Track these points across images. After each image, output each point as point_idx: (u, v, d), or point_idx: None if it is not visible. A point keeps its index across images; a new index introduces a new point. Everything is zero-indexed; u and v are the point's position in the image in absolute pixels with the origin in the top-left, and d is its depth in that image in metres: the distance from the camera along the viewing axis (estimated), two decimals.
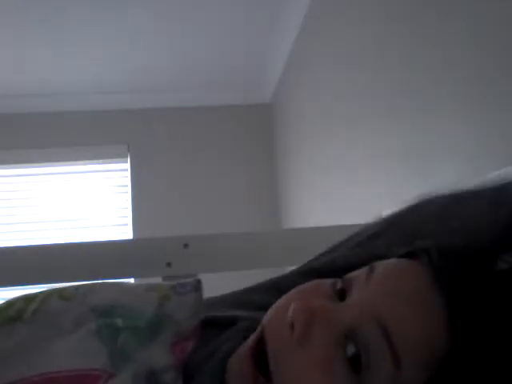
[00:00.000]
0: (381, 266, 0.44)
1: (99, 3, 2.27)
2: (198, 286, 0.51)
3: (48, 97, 3.02)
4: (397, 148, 1.46)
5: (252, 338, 0.45)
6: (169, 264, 0.95)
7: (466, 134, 1.08)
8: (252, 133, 3.22)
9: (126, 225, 3.08)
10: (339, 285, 0.45)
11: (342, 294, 0.44)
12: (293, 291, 0.47)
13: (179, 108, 3.16)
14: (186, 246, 0.97)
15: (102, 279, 1.01)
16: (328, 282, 0.46)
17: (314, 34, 2.27)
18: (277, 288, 0.63)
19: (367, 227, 0.65)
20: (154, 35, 2.58)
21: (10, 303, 0.50)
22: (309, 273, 0.63)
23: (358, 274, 0.45)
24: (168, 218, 2.99)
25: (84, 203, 3.08)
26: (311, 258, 0.67)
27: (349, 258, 0.60)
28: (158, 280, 0.97)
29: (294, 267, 0.70)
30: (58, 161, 3.08)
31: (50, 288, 0.52)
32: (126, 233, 3.08)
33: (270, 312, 0.46)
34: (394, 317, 0.40)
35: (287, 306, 0.44)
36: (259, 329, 0.45)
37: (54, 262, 0.96)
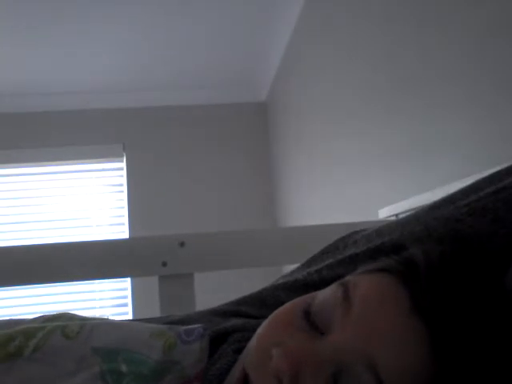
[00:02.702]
0: (356, 291, 0.44)
1: (97, 2, 2.26)
2: (203, 334, 0.51)
3: (43, 96, 3.01)
4: (395, 146, 1.46)
5: (235, 377, 0.45)
6: (164, 263, 0.95)
7: (465, 131, 1.08)
8: (248, 131, 3.21)
9: (123, 224, 3.08)
10: (315, 314, 0.44)
11: (319, 323, 0.44)
12: (269, 323, 0.47)
13: (174, 107, 3.15)
14: (182, 244, 0.96)
15: (98, 279, 1.01)
16: (302, 307, 0.46)
17: (309, 31, 2.27)
18: (263, 303, 0.64)
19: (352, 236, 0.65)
20: (151, 35, 2.57)
21: (10, 337, 0.49)
22: (295, 286, 0.63)
23: (332, 299, 0.44)
24: (164, 216, 2.98)
25: (80, 203, 3.07)
26: (308, 256, 0.67)
27: (336, 270, 0.60)
28: (154, 279, 0.97)
29: (291, 266, 0.70)
30: (54, 160, 3.07)
31: (52, 324, 0.51)
32: (122, 232, 3.07)
33: (252, 354, 0.46)
34: (382, 356, 0.40)
35: (266, 347, 0.44)
36: (241, 369, 0.45)
37: (50, 262, 0.96)
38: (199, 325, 0.52)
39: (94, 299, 2.97)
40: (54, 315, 0.56)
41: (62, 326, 0.50)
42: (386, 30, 1.48)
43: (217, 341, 0.55)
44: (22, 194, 3.06)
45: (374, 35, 1.57)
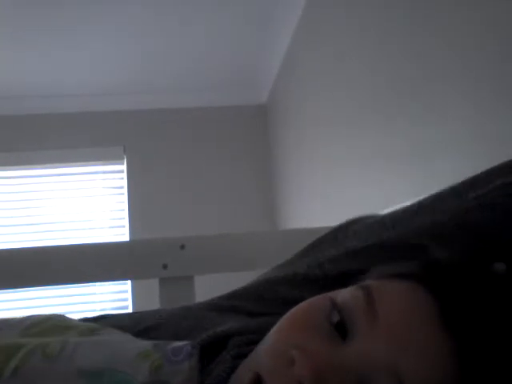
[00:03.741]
0: (382, 299, 0.42)
1: (97, 4, 2.26)
2: (192, 352, 0.48)
3: (44, 99, 3.01)
4: (395, 148, 1.46)
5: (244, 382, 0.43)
6: (165, 266, 0.95)
7: (465, 132, 1.08)
8: (249, 133, 3.21)
9: (123, 226, 3.08)
10: (336, 317, 0.43)
11: (340, 327, 0.42)
12: (285, 324, 0.45)
13: (175, 109, 3.15)
14: (182, 247, 0.96)
15: (98, 281, 1.01)
16: (321, 309, 0.44)
17: (309, 33, 2.27)
18: (260, 297, 0.62)
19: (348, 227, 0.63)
20: (151, 37, 2.57)
21: None
22: (295, 281, 0.61)
23: (353, 304, 0.43)
24: (165, 219, 2.98)
25: (80, 205, 3.07)
26: None
27: (339, 265, 0.58)
28: (154, 282, 0.97)
29: None
30: (54, 163, 3.07)
31: (33, 340, 0.48)
32: (122, 234, 3.07)
33: (266, 357, 0.44)
34: (408, 368, 0.39)
35: (283, 349, 0.42)
36: (253, 372, 0.43)
37: (51, 264, 0.96)
38: (187, 342, 0.50)
39: (95, 301, 2.96)
40: (42, 317, 0.55)
41: (43, 345, 0.47)
42: (386, 31, 1.48)
43: (214, 345, 0.53)
44: (22, 197, 3.05)
45: (374, 38, 1.57)
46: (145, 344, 0.50)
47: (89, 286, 2.85)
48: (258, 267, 1.01)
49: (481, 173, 0.56)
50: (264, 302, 0.61)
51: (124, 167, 3.11)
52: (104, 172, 3.15)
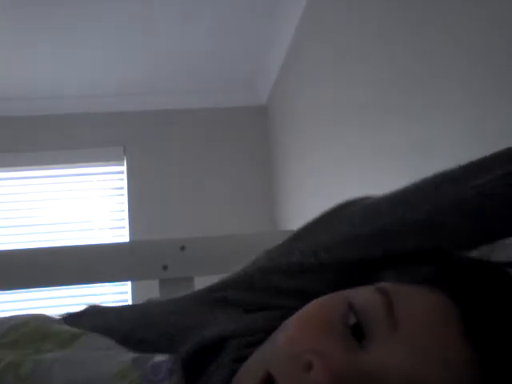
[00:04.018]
0: (403, 306, 0.41)
1: (96, 4, 2.26)
2: (173, 369, 0.45)
3: (44, 99, 3.01)
4: (396, 147, 1.46)
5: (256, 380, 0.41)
6: (165, 267, 0.95)
7: (469, 131, 1.08)
8: (248, 134, 3.21)
9: (123, 228, 3.07)
10: (353, 320, 0.41)
11: (356, 330, 0.41)
12: (298, 323, 0.43)
13: (175, 110, 3.15)
14: (182, 248, 0.96)
15: (98, 282, 1.01)
16: (336, 309, 0.42)
17: (310, 34, 2.27)
18: (251, 286, 0.59)
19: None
20: (151, 38, 2.57)
21: None
22: (290, 271, 0.58)
23: (372, 306, 0.42)
24: (165, 220, 2.98)
25: (80, 206, 3.07)
26: None
27: (335, 254, 0.56)
28: (154, 283, 0.97)
29: None
30: (54, 163, 3.07)
31: (6, 357, 0.46)
32: (122, 236, 3.07)
33: (278, 358, 0.42)
34: (427, 375, 0.38)
35: (298, 351, 0.40)
36: (265, 372, 0.41)
37: (51, 266, 0.96)
38: (167, 358, 0.47)
39: (94, 303, 2.96)
40: (23, 320, 0.53)
41: (14, 366, 0.45)
42: (387, 31, 1.48)
43: (210, 348, 0.51)
44: (21, 198, 3.05)
45: (375, 38, 1.57)
46: (124, 359, 0.47)
47: (89, 287, 2.85)
48: None
49: (478, 159, 0.55)
50: (257, 291, 0.59)
51: (124, 168, 3.11)
52: (104, 173, 3.15)
